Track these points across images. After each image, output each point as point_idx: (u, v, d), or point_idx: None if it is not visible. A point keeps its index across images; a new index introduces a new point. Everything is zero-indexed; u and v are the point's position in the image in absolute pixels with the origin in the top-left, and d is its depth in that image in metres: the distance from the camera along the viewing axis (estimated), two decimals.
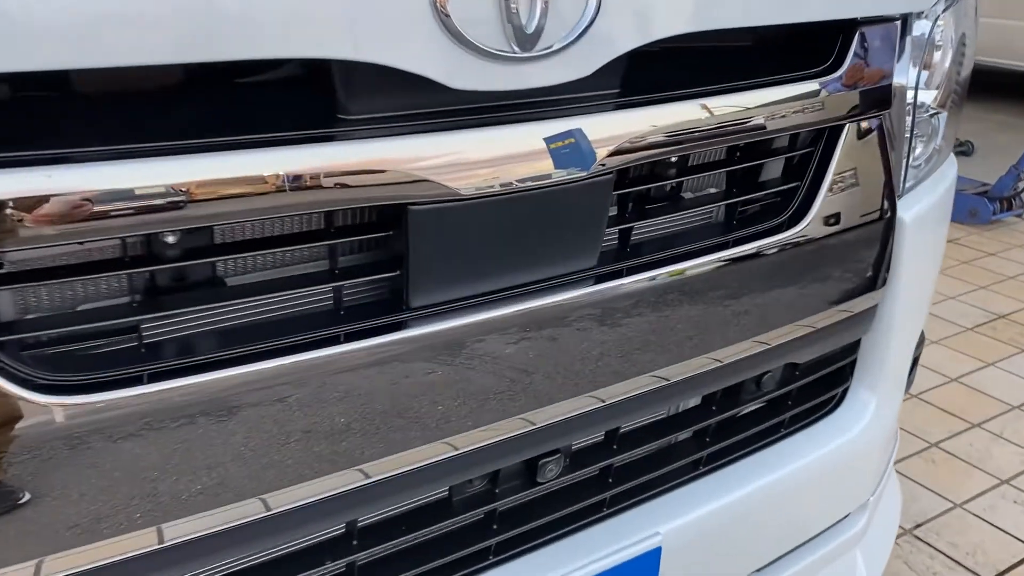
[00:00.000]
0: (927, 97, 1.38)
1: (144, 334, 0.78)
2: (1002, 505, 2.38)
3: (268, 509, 0.84)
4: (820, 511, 1.44)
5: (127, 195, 0.69)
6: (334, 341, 0.83)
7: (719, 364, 1.16)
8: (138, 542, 0.77)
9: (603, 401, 1.04)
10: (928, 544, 2.21)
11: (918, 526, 2.29)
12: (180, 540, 0.79)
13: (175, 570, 0.81)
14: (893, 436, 1.65)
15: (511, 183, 0.85)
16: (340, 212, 0.85)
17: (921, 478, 2.49)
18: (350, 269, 0.86)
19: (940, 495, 2.41)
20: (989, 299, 3.72)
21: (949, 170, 1.53)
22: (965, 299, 3.72)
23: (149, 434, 0.74)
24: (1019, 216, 4.68)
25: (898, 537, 2.22)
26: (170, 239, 0.77)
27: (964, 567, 2.14)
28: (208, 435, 0.77)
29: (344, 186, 0.78)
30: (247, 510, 0.82)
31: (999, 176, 4.66)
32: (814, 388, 1.41)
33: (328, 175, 0.77)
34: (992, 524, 2.30)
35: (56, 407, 0.69)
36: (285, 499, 0.85)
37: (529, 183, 0.87)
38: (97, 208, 0.68)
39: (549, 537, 1.11)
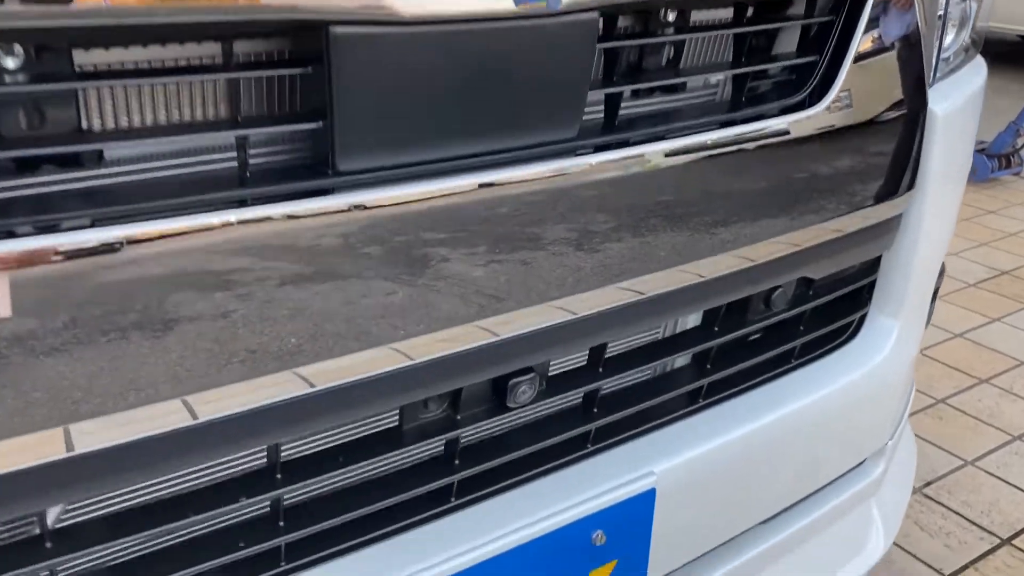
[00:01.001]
0: None
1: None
2: (1015, 462, 2.22)
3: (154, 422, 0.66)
4: (834, 455, 1.26)
5: None
6: (236, 207, 0.65)
7: (720, 274, 0.98)
8: None
9: (577, 312, 0.86)
10: (940, 503, 2.05)
11: (928, 484, 2.12)
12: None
13: None
14: (912, 375, 1.49)
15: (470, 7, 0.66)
16: (243, 39, 0.66)
17: (929, 435, 2.32)
18: (257, 118, 0.67)
19: (950, 452, 2.25)
20: (991, 255, 3.56)
21: (980, 70, 1.35)
22: (967, 255, 3.55)
23: None
24: (1017, 174, 4.53)
25: None
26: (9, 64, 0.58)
27: (979, 526, 1.98)
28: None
29: None
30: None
31: (997, 133, 4.51)
32: (828, 311, 1.23)
33: None
34: (1006, 482, 2.14)
35: None
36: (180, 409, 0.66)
37: (494, 10, 0.68)
38: None
39: (523, 476, 0.93)
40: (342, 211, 0.68)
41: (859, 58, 1.01)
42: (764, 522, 1.21)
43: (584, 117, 0.81)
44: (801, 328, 1.19)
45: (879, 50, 1.04)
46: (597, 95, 0.85)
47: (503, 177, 0.74)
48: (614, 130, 0.85)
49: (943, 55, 1.22)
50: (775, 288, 1.11)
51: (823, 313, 1.23)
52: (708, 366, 1.08)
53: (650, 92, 0.89)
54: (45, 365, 0.59)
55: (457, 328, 0.76)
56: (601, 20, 0.77)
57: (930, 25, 1.11)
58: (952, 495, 2.08)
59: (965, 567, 1.85)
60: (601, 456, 0.98)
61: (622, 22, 0.83)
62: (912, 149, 1.12)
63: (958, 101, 1.19)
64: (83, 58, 0.61)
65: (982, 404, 2.47)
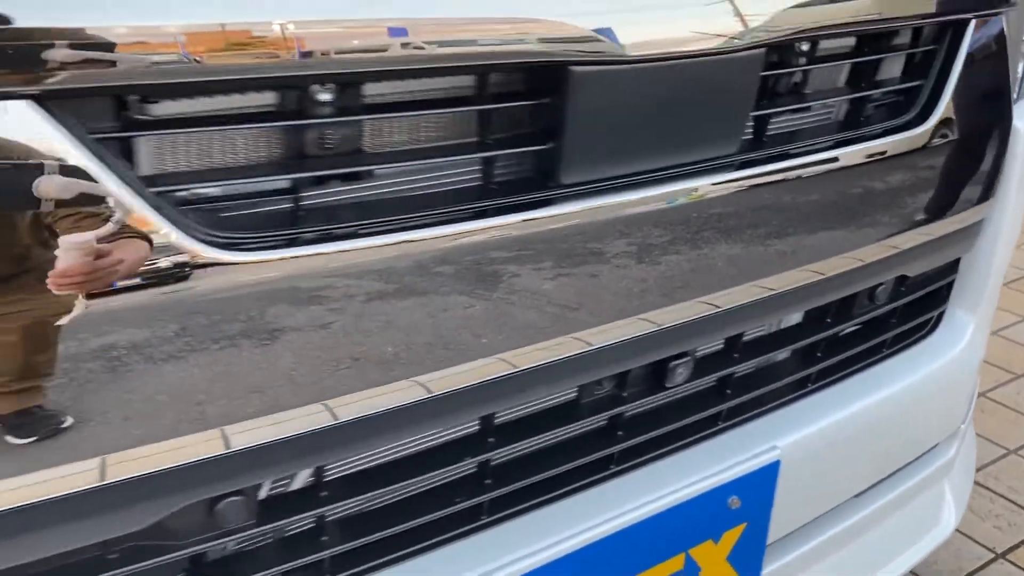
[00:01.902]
0: None
1: (304, 199, 0.73)
2: None
3: (408, 394, 0.79)
4: (917, 436, 1.40)
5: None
6: (481, 216, 0.78)
7: (836, 271, 1.12)
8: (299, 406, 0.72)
9: (721, 306, 0.99)
10: (988, 488, 2.18)
11: (976, 471, 2.26)
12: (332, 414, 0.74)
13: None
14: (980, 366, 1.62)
15: (677, 46, 0.80)
16: (491, 77, 0.79)
17: (975, 427, 2.46)
18: (501, 140, 0.81)
19: (993, 442, 2.38)
20: (1020, 257, 3.69)
21: None
22: None
23: (311, 295, 0.69)
24: None
25: None
26: (323, 96, 0.71)
27: None
28: (358, 304, 0.72)
29: (500, 41, 0.73)
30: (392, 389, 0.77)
31: None
32: (913, 308, 1.37)
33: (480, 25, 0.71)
34: None
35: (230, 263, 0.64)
36: (425, 383, 0.80)
37: (691, 48, 0.82)
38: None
39: (672, 447, 1.07)
40: (566, 216, 0.81)
41: (958, 81, 1.14)
42: (859, 495, 1.35)
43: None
44: (892, 322, 1.32)
45: (972, 73, 1.17)
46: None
47: (685, 187, 0.88)
48: (762, 147, 0.99)
49: None
50: (876, 286, 1.24)
51: (908, 310, 1.36)
52: (818, 355, 1.22)
53: (786, 113, 1.03)
54: (340, 340, 0.72)
55: (637, 317, 0.90)
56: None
57: (1015, 50, 1.24)
58: (999, 481, 2.21)
59: (1016, 546, 1.98)
60: (734, 432, 1.12)
61: (772, 55, 0.97)
62: (996, 161, 1.26)
63: None
64: (370, 91, 0.75)
65: (1021, 397, 2.61)
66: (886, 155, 1.10)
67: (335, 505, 0.82)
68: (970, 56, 1.15)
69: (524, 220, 0.79)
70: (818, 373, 1.23)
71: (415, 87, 0.77)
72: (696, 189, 0.89)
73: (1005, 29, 1.19)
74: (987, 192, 1.27)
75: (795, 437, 1.15)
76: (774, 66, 0.97)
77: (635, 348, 0.94)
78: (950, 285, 1.41)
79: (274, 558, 0.81)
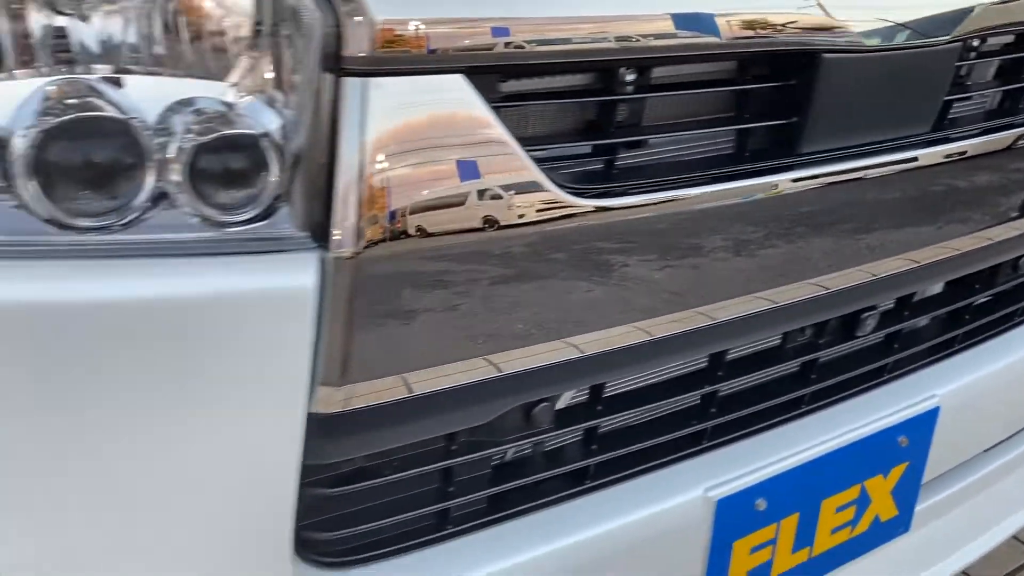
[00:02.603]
0: None
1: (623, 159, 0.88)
2: None
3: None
4: None
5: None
6: (742, 177, 0.94)
7: (998, 239, 1.26)
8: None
9: (917, 262, 1.14)
10: None
11: None
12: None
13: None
14: None
15: (901, 38, 0.95)
16: (750, 63, 0.95)
17: None
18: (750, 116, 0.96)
19: None
20: None
21: None
22: None
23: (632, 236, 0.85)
24: None
25: None
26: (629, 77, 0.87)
27: None
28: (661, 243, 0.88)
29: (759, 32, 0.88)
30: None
31: None
32: None
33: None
34: None
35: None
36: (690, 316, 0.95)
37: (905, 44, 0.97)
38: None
39: (854, 391, 1.22)
40: (802, 180, 0.96)
41: None
42: (986, 450, 1.49)
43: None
44: None
45: None
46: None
47: (893, 158, 1.03)
48: (943, 128, 1.13)
49: None
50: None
51: None
52: (967, 316, 1.36)
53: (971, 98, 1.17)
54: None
55: (855, 269, 1.05)
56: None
57: None
58: None
59: None
60: (902, 380, 1.27)
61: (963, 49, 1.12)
62: None
63: None
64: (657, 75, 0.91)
65: None
66: None
67: (612, 417, 0.99)
68: None
69: (772, 182, 0.95)
70: (973, 330, 1.37)
71: (695, 70, 0.93)
72: (910, 160, 1.04)
73: None
74: None
75: (952, 387, 1.30)
76: (963, 58, 1.12)
77: (852, 295, 1.09)
78: None
79: (556, 462, 0.98)
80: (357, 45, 0.68)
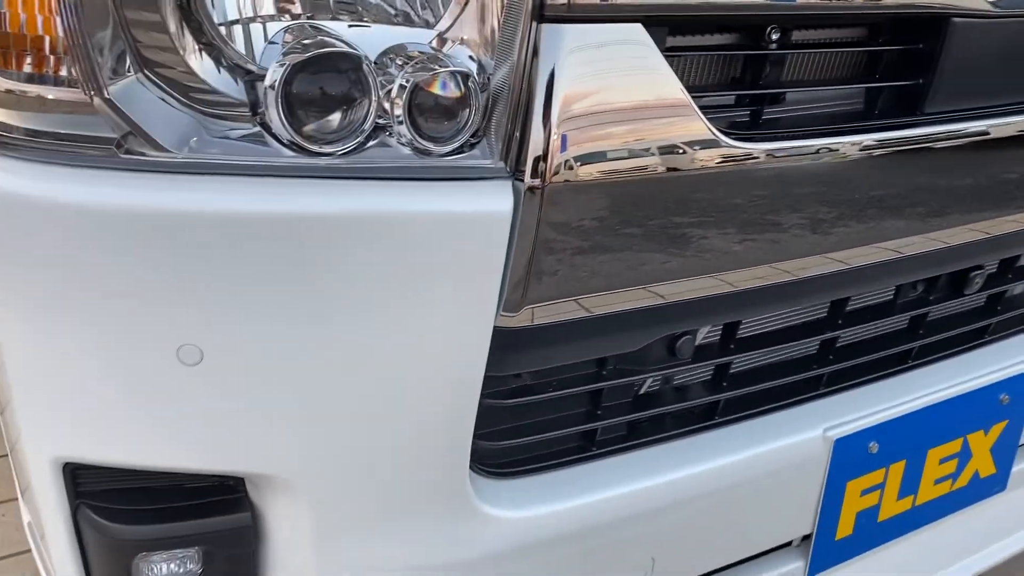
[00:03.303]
0: None
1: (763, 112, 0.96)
2: None
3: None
4: None
5: None
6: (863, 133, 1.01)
7: None
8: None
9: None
10: None
11: None
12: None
13: None
14: None
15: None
16: (881, 25, 1.02)
17: None
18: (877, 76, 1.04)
19: None
20: None
21: None
22: None
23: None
24: None
25: None
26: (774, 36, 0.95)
27: None
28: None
29: None
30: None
31: None
32: None
33: None
34: None
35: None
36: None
37: None
38: None
39: (956, 349, 1.28)
40: (927, 138, 1.03)
41: None
42: None
43: None
44: None
45: None
46: None
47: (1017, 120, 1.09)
48: None
49: None
50: None
51: None
52: None
53: None
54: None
55: (971, 225, 1.11)
56: None
57: None
58: None
59: None
60: (1005, 341, 1.32)
61: None
62: None
63: None
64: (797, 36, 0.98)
65: None
66: None
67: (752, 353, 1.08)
68: None
69: (898, 138, 1.02)
70: None
71: (811, 35, 1.00)
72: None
73: None
74: None
75: None
76: None
77: (966, 252, 1.16)
78: None
79: (689, 396, 1.06)
80: None
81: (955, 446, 1.28)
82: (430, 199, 0.78)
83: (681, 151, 0.84)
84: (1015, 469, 1.40)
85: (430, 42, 0.81)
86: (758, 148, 0.89)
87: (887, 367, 1.21)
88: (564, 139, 0.79)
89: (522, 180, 0.80)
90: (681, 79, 0.91)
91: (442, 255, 0.79)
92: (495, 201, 0.79)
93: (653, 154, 0.83)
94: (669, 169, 0.83)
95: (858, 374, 1.18)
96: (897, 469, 1.22)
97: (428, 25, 0.81)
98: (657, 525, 1.03)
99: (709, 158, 0.86)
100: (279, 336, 0.78)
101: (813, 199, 0.97)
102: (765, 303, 1.00)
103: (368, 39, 0.79)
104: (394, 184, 0.79)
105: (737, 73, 0.97)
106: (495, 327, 0.85)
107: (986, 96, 1.05)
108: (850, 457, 1.14)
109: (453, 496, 0.89)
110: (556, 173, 0.80)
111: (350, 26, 0.80)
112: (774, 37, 0.95)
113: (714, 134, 0.86)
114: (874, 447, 1.16)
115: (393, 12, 0.82)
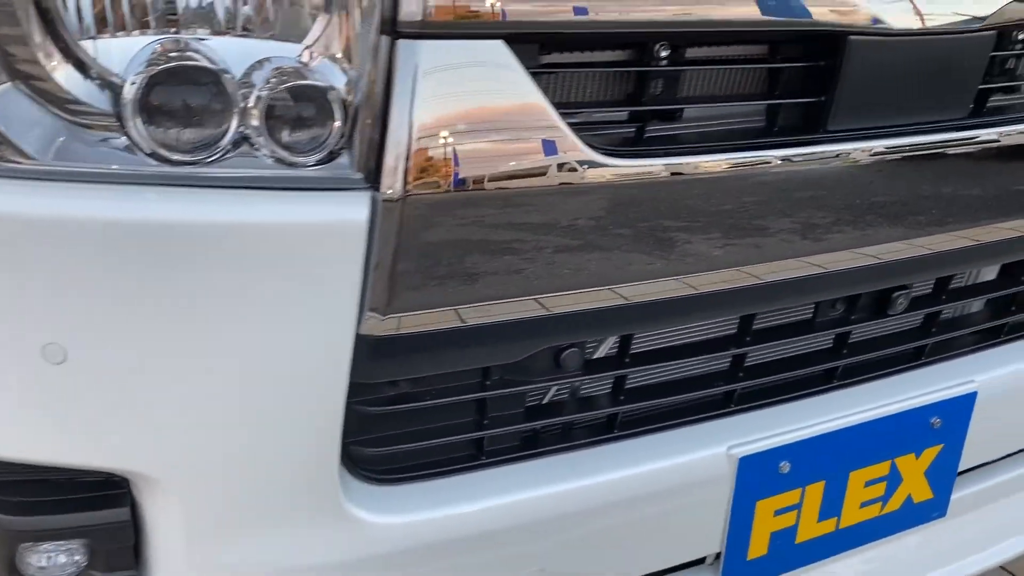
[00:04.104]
0: None
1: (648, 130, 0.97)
2: None
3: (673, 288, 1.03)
4: None
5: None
6: (765, 148, 1.00)
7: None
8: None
9: (959, 243, 1.18)
10: None
11: None
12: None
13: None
14: None
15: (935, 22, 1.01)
16: (781, 44, 1.02)
17: None
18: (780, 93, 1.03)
19: None
20: None
21: None
22: None
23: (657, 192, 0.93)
24: None
25: None
26: (664, 53, 0.95)
27: None
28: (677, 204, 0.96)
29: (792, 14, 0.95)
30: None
31: None
32: None
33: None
34: None
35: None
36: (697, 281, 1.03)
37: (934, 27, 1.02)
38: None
39: (887, 370, 1.26)
40: (828, 156, 1.03)
41: None
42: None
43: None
44: None
45: None
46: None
47: (920, 141, 1.08)
48: (981, 115, 1.17)
49: None
50: None
51: None
52: (1013, 307, 1.38)
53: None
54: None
55: (881, 246, 1.10)
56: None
57: None
58: None
59: None
60: (940, 364, 1.30)
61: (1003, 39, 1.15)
62: None
63: None
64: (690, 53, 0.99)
65: None
66: None
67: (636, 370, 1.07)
68: None
69: (798, 155, 1.02)
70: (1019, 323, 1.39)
71: (725, 52, 1.00)
72: (930, 144, 1.08)
73: None
74: None
75: (993, 375, 1.32)
76: (1002, 48, 1.15)
77: (861, 275, 1.14)
78: None
79: (586, 408, 1.07)
80: (410, 11, 0.79)
81: (882, 469, 1.26)
82: (286, 209, 0.80)
83: (542, 167, 0.85)
84: (958, 496, 1.38)
85: (299, 56, 0.83)
86: (630, 165, 0.90)
87: (805, 387, 1.19)
88: (418, 153, 0.81)
89: (379, 191, 0.82)
90: (565, 95, 0.93)
91: (299, 263, 0.81)
92: (350, 211, 0.81)
93: (512, 169, 0.84)
94: (528, 185, 0.85)
95: (771, 393, 1.17)
96: (815, 490, 1.21)
97: (298, 39, 0.84)
98: (548, 537, 1.03)
99: (567, 171, 0.87)
100: (141, 339, 0.81)
101: (700, 215, 0.97)
102: (651, 319, 1.00)
103: (237, 52, 0.82)
104: (254, 193, 0.81)
105: (630, 89, 0.98)
106: (361, 335, 0.87)
107: (889, 114, 1.04)
108: (758, 476, 1.13)
109: (323, 500, 0.90)
110: (411, 186, 0.81)
111: (220, 39, 0.83)
112: (663, 54, 0.96)
113: (582, 150, 0.87)
114: (785, 467, 1.15)
115: (264, 26, 0.85)
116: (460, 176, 0.82)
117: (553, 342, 0.98)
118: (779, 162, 0.99)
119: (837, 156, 1.02)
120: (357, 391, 0.91)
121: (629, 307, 0.97)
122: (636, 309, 0.98)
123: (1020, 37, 1.13)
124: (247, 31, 0.84)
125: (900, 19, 0.99)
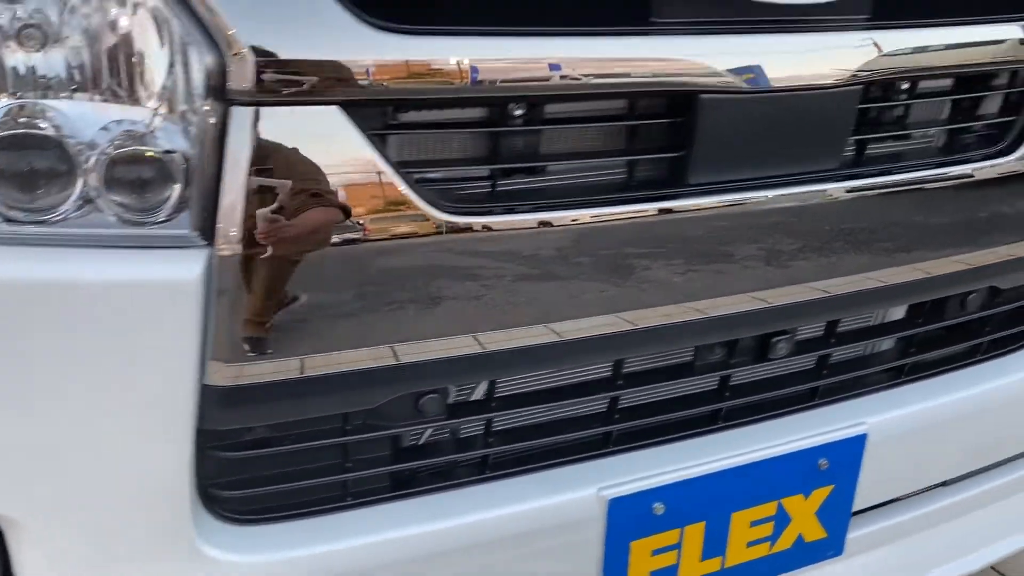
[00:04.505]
0: None
1: (498, 185, 1.00)
2: None
3: (550, 335, 1.06)
4: (1012, 436, 1.53)
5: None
6: (627, 203, 1.04)
7: (924, 276, 1.29)
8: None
9: (826, 292, 1.20)
10: None
11: None
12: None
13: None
14: None
15: (783, 83, 1.03)
16: (638, 101, 1.05)
17: None
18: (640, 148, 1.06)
19: None
20: None
21: None
22: None
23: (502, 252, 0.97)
24: None
25: None
26: (518, 112, 0.99)
27: None
28: (535, 260, 0.99)
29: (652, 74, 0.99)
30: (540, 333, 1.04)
31: None
32: (1012, 318, 1.51)
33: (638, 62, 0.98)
34: None
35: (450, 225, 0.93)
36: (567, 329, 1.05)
37: (799, 83, 1.05)
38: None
39: (772, 413, 1.28)
40: (692, 209, 1.05)
41: None
42: (947, 483, 1.50)
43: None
44: (986, 329, 1.47)
45: None
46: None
47: (791, 192, 1.10)
48: (861, 165, 1.19)
49: None
50: (967, 293, 1.41)
51: (1005, 319, 1.50)
52: (912, 348, 1.39)
53: (887, 138, 1.23)
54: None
55: (750, 294, 1.12)
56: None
57: None
58: None
59: None
60: (830, 407, 1.32)
61: (872, 91, 1.17)
62: None
63: None
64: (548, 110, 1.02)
65: None
66: (979, 180, 1.28)
67: (502, 414, 1.10)
68: None
69: (660, 209, 1.04)
70: (912, 366, 1.40)
71: (584, 107, 1.03)
72: (793, 195, 1.11)
73: None
74: None
75: (884, 418, 1.33)
76: (872, 100, 1.18)
77: (740, 321, 1.17)
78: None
79: (452, 449, 1.10)
80: (241, 79, 0.83)
81: (767, 509, 1.28)
82: (122, 267, 0.85)
83: (378, 226, 0.89)
84: (855, 535, 1.39)
85: (145, 120, 0.88)
86: (470, 222, 0.93)
87: (683, 428, 1.22)
88: (248, 215, 0.85)
89: (214, 247, 0.86)
90: (423, 152, 0.97)
91: (135, 317, 0.85)
92: (183, 269, 0.85)
93: (346, 227, 0.88)
94: (362, 240, 0.88)
95: (648, 435, 1.19)
96: (695, 530, 1.23)
97: (144, 104, 0.88)
98: None
99: (406, 228, 0.91)
100: None
101: (557, 265, 1.00)
102: (507, 366, 1.03)
103: (86, 115, 0.87)
104: (98, 252, 0.86)
105: (485, 147, 1.01)
106: (208, 385, 0.91)
107: (750, 167, 1.07)
108: (631, 517, 1.16)
109: (177, 540, 0.94)
110: (242, 245, 0.85)
111: (70, 103, 0.87)
112: (517, 112, 0.99)
113: (422, 208, 0.91)
114: (659, 508, 1.17)
115: (116, 90, 0.89)
116: (291, 235, 0.87)
117: (408, 389, 1.01)
118: (631, 216, 1.02)
119: (696, 209, 1.06)
120: (212, 436, 0.95)
121: (483, 355, 1.00)
122: (491, 357, 1.01)
123: (875, 93, 1.16)
124: (97, 94, 0.89)
125: (749, 78, 1.02)
